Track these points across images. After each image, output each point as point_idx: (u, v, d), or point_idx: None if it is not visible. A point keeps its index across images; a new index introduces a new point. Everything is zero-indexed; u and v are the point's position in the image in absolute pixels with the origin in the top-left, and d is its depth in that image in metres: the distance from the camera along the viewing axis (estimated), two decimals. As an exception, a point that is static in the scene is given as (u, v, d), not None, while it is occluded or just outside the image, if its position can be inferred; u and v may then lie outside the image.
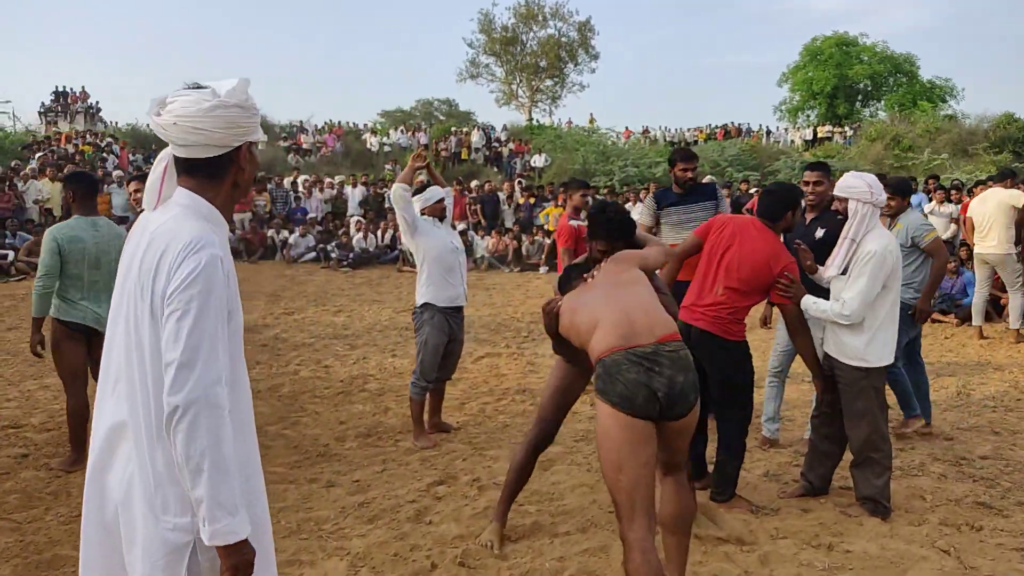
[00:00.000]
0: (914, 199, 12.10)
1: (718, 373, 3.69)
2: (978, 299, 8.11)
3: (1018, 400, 5.82)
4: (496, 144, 25.65)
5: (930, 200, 11.64)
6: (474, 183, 17.81)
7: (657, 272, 3.09)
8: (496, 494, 3.90)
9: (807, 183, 4.44)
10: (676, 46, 79.97)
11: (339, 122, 31.30)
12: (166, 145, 1.74)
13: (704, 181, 6.42)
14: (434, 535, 3.48)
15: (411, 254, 7.28)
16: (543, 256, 14.40)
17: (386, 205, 15.72)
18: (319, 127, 29.21)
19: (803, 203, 4.02)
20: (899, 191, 4.95)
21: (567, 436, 4.78)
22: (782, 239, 3.91)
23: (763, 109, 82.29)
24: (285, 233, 15.94)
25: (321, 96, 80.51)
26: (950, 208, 11.14)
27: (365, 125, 31.42)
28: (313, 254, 15.43)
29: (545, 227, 14.91)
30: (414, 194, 4.95)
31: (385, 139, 26.35)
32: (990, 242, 7.66)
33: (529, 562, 3.21)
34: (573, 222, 5.53)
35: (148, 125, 1.89)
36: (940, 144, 21.02)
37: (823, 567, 3.15)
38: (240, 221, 16.28)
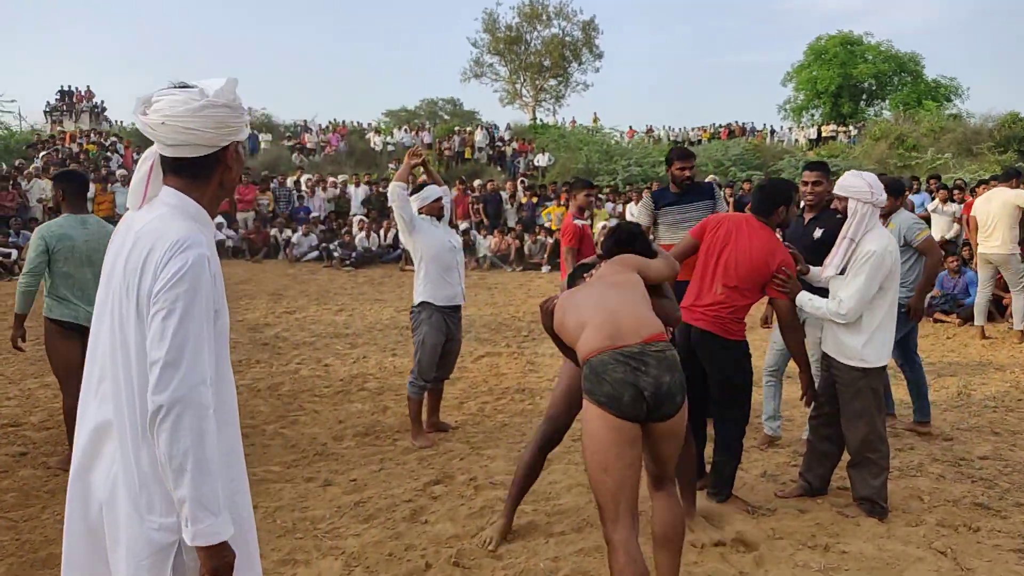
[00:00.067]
0: (917, 198, 12.07)
1: (718, 373, 3.68)
2: (981, 299, 8.08)
3: (1019, 401, 5.79)
4: (499, 143, 25.62)
5: (933, 199, 11.60)
6: (477, 182, 17.80)
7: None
8: (493, 494, 3.91)
9: (806, 183, 4.42)
10: (680, 45, 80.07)
11: (343, 121, 31.33)
12: None
13: (707, 180, 6.39)
14: (429, 535, 3.49)
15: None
16: (545, 255, 14.40)
17: (388, 204, 15.70)
18: (323, 126, 29.24)
19: (797, 199, 4.00)
20: (891, 191, 4.92)
21: (565, 436, 4.76)
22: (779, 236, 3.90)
23: (767, 108, 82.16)
24: (288, 232, 15.98)
25: (325, 96, 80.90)
26: (953, 207, 11.09)
27: (369, 124, 31.40)
28: (316, 253, 15.46)
29: (547, 226, 14.91)
30: (412, 193, 4.94)
31: (389, 138, 26.35)
32: (994, 242, 7.64)
33: (524, 562, 3.21)
34: (577, 221, 5.51)
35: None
36: (945, 143, 20.89)
37: (819, 568, 3.14)
38: (243, 220, 16.34)
